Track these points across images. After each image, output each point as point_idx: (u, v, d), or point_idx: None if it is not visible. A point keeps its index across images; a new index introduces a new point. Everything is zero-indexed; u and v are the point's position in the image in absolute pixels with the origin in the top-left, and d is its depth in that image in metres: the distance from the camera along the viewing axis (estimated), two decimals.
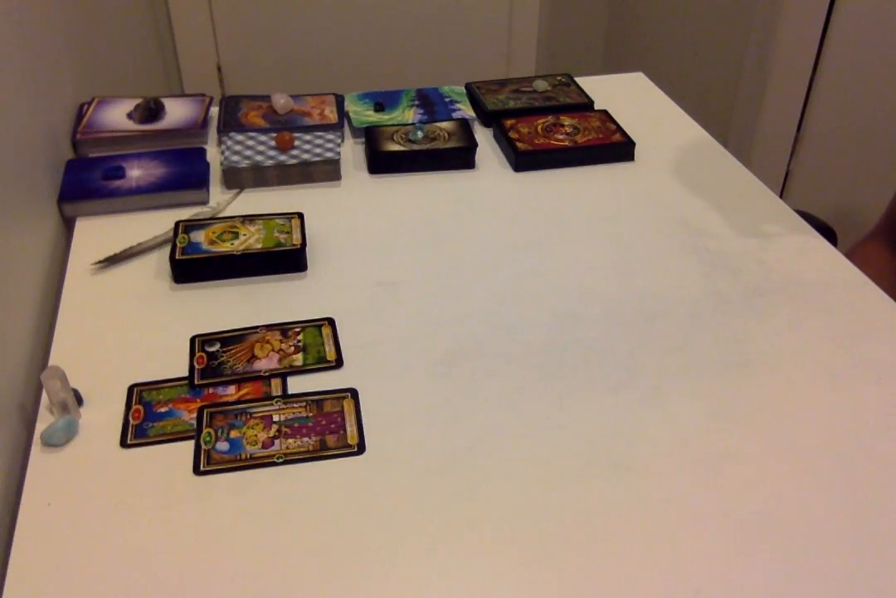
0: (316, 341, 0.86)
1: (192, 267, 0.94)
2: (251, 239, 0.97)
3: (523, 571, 0.64)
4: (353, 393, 0.80)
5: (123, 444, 0.75)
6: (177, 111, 1.25)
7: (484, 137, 1.26)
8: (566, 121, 1.25)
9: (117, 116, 1.22)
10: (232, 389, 0.80)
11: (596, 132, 1.22)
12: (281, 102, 1.25)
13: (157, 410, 0.78)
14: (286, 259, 0.96)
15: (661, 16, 2.40)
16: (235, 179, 1.12)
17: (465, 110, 1.29)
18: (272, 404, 0.79)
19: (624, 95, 1.38)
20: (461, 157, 1.18)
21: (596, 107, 1.33)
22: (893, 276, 1.15)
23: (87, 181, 1.09)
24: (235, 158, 1.13)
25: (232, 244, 0.96)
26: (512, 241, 1.02)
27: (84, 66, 1.40)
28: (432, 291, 0.94)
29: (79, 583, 0.63)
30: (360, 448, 0.74)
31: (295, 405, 0.78)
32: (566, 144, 1.19)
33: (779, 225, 1.05)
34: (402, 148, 1.16)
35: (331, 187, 1.14)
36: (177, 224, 1.00)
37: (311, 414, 0.77)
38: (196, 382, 0.81)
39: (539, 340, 0.87)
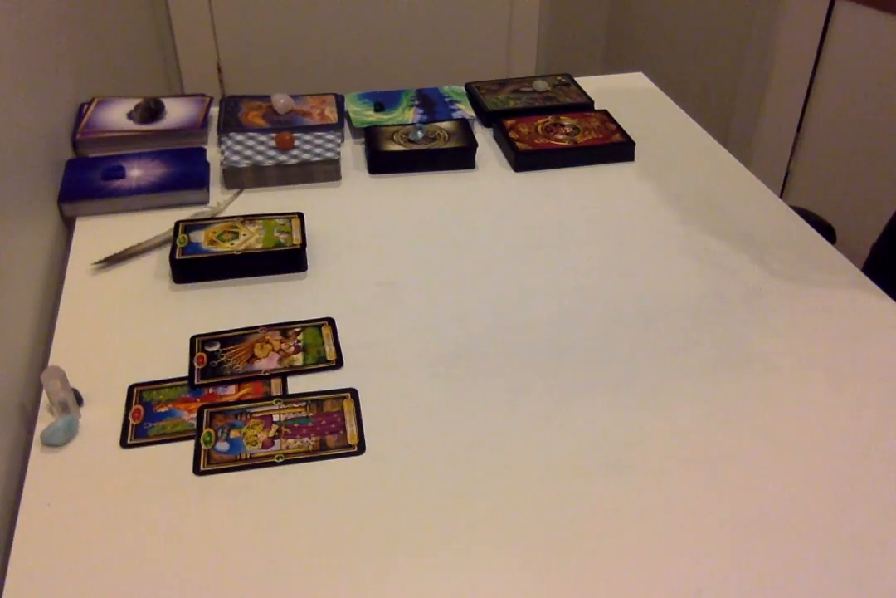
0: (316, 341, 0.86)
1: (192, 267, 0.94)
2: (251, 239, 0.97)
3: (523, 570, 0.64)
4: (353, 393, 0.80)
5: (123, 444, 0.75)
6: (177, 111, 1.25)
7: (484, 137, 1.26)
8: (566, 121, 1.25)
9: (117, 116, 1.23)
10: (232, 389, 0.80)
11: (596, 132, 1.22)
12: (281, 102, 1.25)
13: (157, 410, 0.78)
14: (286, 259, 0.96)
15: (662, 16, 2.40)
16: (235, 179, 1.12)
17: (465, 110, 1.29)
18: (272, 404, 0.79)
19: (624, 95, 1.38)
20: (461, 157, 1.18)
21: (596, 107, 1.33)
22: None
23: (87, 181, 1.09)
24: (235, 158, 1.13)
25: (232, 244, 0.96)
26: (512, 241, 1.02)
27: (84, 66, 1.40)
28: (432, 291, 0.94)
29: (79, 583, 0.63)
30: (360, 448, 0.74)
31: (295, 405, 0.78)
32: (566, 144, 1.19)
33: (779, 225, 1.05)
34: (402, 148, 1.16)
35: (331, 187, 1.14)
36: (177, 224, 1.00)
37: (311, 414, 0.77)
38: (196, 382, 0.81)
39: (539, 340, 0.87)
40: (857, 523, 0.68)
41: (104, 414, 0.78)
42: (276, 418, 0.77)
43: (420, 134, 1.19)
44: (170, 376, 0.82)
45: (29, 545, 0.66)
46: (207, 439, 0.75)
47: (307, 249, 0.98)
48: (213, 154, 1.19)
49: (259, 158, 1.13)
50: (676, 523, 0.67)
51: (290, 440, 0.75)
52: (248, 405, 0.78)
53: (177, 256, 0.94)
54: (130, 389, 0.80)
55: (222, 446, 0.74)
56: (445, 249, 1.01)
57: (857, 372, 0.83)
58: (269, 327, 0.88)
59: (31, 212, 0.97)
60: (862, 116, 2.02)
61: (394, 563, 0.64)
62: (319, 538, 0.66)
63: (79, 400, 0.78)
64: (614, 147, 1.20)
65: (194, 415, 0.77)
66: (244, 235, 0.98)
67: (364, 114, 1.27)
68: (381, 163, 1.16)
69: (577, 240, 1.02)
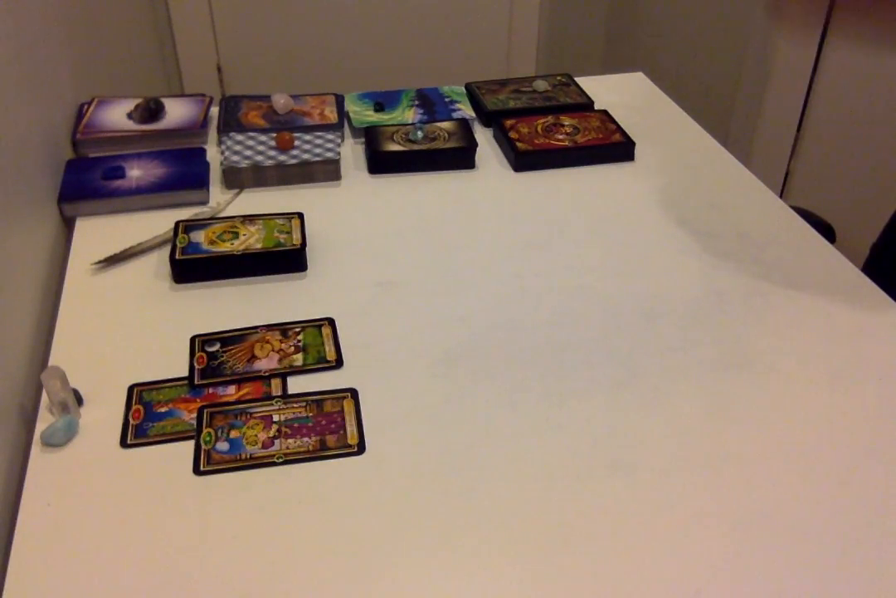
0: (316, 341, 0.86)
1: (192, 267, 0.94)
2: (251, 239, 0.97)
3: (523, 570, 0.64)
4: (353, 393, 0.80)
5: (123, 444, 0.75)
6: (177, 111, 1.25)
7: (484, 137, 1.26)
8: (566, 121, 1.25)
9: (117, 116, 1.23)
10: (232, 389, 0.80)
11: (596, 132, 1.22)
12: (281, 102, 1.25)
13: (157, 410, 0.78)
14: (286, 259, 0.96)
15: (662, 16, 2.40)
16: (235, 179, 1.12)
17: (465, 110, 1.28)
18: (272, 404, 0.79)
19: (624, 95, 1.38)
20: (461, 157, 1.18)
21: (596, 107, 1.33)
22: None
23: (87, 181, 1.09)
24: (235, 158, 1.13)
25: (232, 244, 0.96)
26: (512, 241, 1.02)
27: (84, 66, 1.40)
28: (432, 291, 0.94)
29: (79, 583, 0.63)
30: (360, 448, 0.74)
31: (295, 405, 0.78)
32: (566, 144, 1.19)
33: (779, 225, 1.05)
34: (402, 148, 1.16)
35: (331, 187, 1.14)
36: (177, 224, 1.00)
37: (311, 414, 0.77)
38: (196, 382, 0.81)
39: (539, 340, 0.87)
40: (856, 522, 0.68)
41: (104, 414, 0.78)
42: (276, 418, 0.77)
43: (420, 134, 1.19)
44: (170, 376, 0.82)
45: (29, 545, 0.66)
46: (207, 439, 0.75)
47: (307, 249, 0.98)
48: (213, 154, 1.19)
49: (259, 158, 1.13)
50: (676, 522, 0.67)
51: (290, 440, 0.75)
52: (248, 405, 0.78)
53: (177, 256, 0.94)
54: (130, 389, 0.80)
55: (222, 446, 0.74)
56: (445, 249, 1.01)
57: (856, 372, 0.83)
58: (269, 327, 0.88)
59: (31, 212, 0.97)
60: (862, 116, 2.02)
61: (394, 563, 0.64)
62: (319, 538, 0.66)
63: (79, 400, 0.78)
64: (614, 147, 1.20)
65: (194, 415, 0.77)
66: (244, 235, 0.98)
67: (364, 114, 1.27)
68: (381, 163, 1.17)
69: (577, 240, 1.02)
